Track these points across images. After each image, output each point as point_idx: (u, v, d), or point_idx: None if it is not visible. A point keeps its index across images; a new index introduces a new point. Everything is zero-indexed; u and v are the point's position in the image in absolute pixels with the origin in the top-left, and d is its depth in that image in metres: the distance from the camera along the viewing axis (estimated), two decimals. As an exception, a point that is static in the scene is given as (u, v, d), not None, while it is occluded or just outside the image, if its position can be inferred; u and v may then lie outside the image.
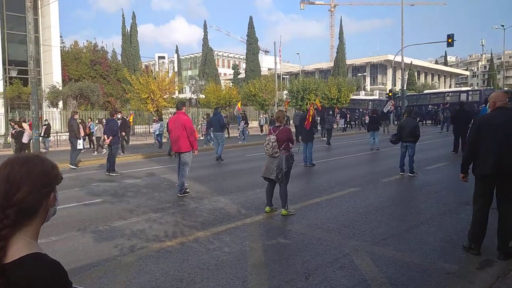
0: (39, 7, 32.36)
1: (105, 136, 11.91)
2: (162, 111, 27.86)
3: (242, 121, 23.34)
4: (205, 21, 70.18)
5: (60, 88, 30.95)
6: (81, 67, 40.53)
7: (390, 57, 58.72)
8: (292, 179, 9.76)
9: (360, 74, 68.91)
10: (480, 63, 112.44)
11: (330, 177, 10.18)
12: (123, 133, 17.18)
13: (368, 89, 70.00)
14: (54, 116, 28.77)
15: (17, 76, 28.60)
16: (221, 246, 5.11)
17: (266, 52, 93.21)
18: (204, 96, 37.58)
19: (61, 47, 38.01)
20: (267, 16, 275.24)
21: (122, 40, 53.05)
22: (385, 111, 29.72)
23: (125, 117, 22.15)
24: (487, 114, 4.84)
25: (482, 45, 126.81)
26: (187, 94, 58.48)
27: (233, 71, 76.67)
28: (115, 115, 13.15)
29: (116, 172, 11.26)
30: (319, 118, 20.99)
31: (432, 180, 9.33)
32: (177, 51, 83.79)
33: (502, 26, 55.91)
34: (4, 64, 31.30)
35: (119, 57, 52.64)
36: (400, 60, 37.78)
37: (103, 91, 38.66)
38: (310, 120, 11.76)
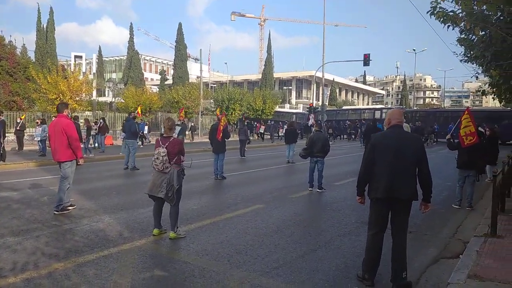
0: None
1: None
2: (73, 114, 25.55)
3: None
4: (131, 23, 66.85)
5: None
6: (-16, 62, 36.11)
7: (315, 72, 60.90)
8: (196, 194, 9.08)
9: (286, 88, 70.55)
10: (394, 83, 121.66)
11: (238, 192, 9.56)
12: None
13: (293, 103, 71.79)
14: None
15: None
16: (78, 283, 4.15)
17: (196, 60, 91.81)
18: (123, 101, 35.38)
19: (-38, 40, 33.66)
20: (199, 25, 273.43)
21: (36, 37, 48.60)
22: (309, 125, 30.42)
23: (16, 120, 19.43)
24: (382, 132, 4.49)
25: (397, 67, 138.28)
26: (109, 98, 55.21)
27: (160, 76, 74.14)
28: (1, 116, 11.42)
29: (-10, 183, 9.62)
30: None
31: (338, 197, 9.12)
32: (99, 52, 79.22)
33: (414, 50, 60.93)
34: None
35: (33, 54, 48.28)
36: (323, 76, 39.03)
37: (8, 90, 35.00)
38: (222, 130, 11.13)
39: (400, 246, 4.19)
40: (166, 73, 76.18)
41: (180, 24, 60.41)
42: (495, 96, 14.49)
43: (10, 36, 70.43)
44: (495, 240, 5.61)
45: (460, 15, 6.92)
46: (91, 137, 18.96)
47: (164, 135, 5.88)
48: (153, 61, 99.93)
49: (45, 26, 49.34)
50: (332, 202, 8.61)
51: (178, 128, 13.42)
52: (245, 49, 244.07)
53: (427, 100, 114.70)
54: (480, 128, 16.07)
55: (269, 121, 39.00)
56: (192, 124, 31.75)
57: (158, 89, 59.23)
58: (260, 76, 68.06)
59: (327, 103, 58.53)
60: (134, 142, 13.79)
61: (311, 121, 31.54)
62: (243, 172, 13.46)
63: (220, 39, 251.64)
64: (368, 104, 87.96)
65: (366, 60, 29.10)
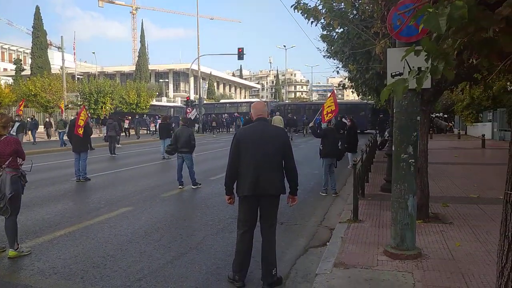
0: None
1: None
2: None
3: None
4: (-26, 3, 56.85)
5: None
6: None
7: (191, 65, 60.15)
8: (51, 200, 7.89)
9: (162, 80, 68.40)
10: (268, 78, 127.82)
11: (103, 194, 8.60)
12: None
13: (171, 96, 70.05)
14: None
15: None
16: None
17: (59, 48, 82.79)
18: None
19: None
20: (62, 10, 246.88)
21: None
22: (193, 118, 29.93)
23: None
24: (246, 126, 4.31)
25: (270, 62, 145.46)
26: None
27: (15, 66, 64.85)
28: None
29: None
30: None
31: (213, 192, 8.86)
32: None
33: (284, 46, 64.67)
34: None
35: None
36: (200, 69, 38.78)
37: None
38: (82, 125, 9.92)
39: (269, 243, 4.05)
40: (22, 62, 67.09)
41: (37, 8, 53.47)
42: (353, 90, 15.98)
43: None
44: (357, 225, 5.94)
45: (322, 11, 7.21)
46: None
47: (-4, 134, 4.80)
48: (6, 49, 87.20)
49: None
50: (206, 198, 8.31)
51: (16, 125, 11.63)
52: (116, 38, 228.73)
53: (297, 94, 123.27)
54: (343, 120, 17.71)
55: (137, 116, 37.13)
56: (47, 120, 28.44)
57: (12, 81, 51.80)
58: (134, 68, 64.70)
59: (205, 97, 58.55)
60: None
61: (193, 115, 31.09)
62: (112, 171, 12.32)
63: (88, 26, 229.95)
64: (245, 97, 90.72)
65: (240, 54, 29.65)
